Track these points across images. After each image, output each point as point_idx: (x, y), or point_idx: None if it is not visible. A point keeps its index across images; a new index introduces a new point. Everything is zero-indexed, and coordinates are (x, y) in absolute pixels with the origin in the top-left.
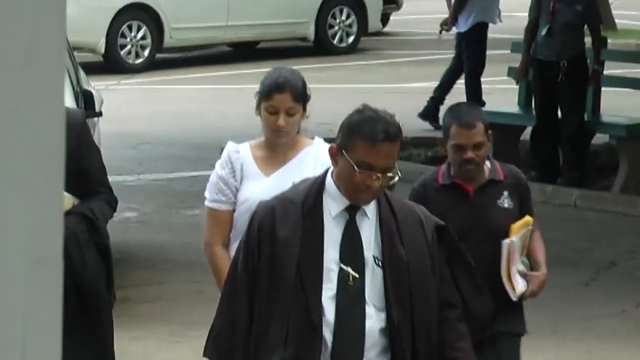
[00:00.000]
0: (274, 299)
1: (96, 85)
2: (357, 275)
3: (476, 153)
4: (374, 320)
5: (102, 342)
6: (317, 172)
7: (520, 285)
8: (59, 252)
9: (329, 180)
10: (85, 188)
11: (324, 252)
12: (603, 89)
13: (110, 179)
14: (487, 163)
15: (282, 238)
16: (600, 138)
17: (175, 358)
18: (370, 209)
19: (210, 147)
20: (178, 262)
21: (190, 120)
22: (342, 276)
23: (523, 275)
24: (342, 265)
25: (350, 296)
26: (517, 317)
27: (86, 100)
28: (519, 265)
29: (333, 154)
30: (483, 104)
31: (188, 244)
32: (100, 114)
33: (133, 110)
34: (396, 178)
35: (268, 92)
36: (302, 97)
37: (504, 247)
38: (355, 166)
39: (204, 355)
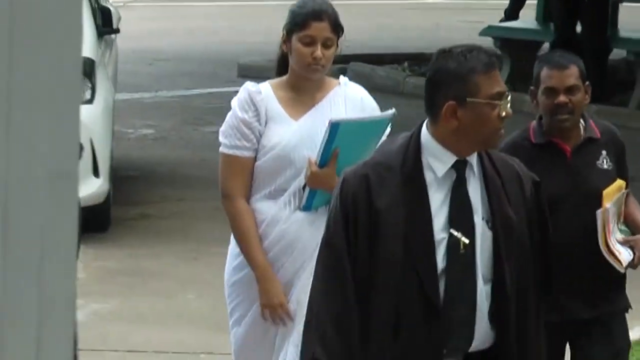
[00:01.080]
0: (378, 281)
1: (113, 2)
2: (467, 241)
3: (570, 97)
4: (483, 290)
5: None
6: (349, 114)
7: (624, 254)
8: (76, 167)
9: (427, 138)
10: None
11: (433, 219)
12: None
13: (128, 96)
14: (582, 120)
15: (382, 210)
16: (617, 54)
17: (191, 275)
18: (474, 163)
19: (226, 63)
20: (196, 179)
21: (206, 37)
22: (452, 243)
23: (625, 243)
24: (453, 231)
25: (462, 266)
26: (622, 292)
27: (104, 16)
28: (617, 234)
29: (453, 111)
30: (517, 17)
31: (206, 161)
32: (117, 31)
33: (150, 27)
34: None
35: (304, 21)
36: (339, 28)
37: (598, 217)
38: (491, 101)
39: (306, 354)
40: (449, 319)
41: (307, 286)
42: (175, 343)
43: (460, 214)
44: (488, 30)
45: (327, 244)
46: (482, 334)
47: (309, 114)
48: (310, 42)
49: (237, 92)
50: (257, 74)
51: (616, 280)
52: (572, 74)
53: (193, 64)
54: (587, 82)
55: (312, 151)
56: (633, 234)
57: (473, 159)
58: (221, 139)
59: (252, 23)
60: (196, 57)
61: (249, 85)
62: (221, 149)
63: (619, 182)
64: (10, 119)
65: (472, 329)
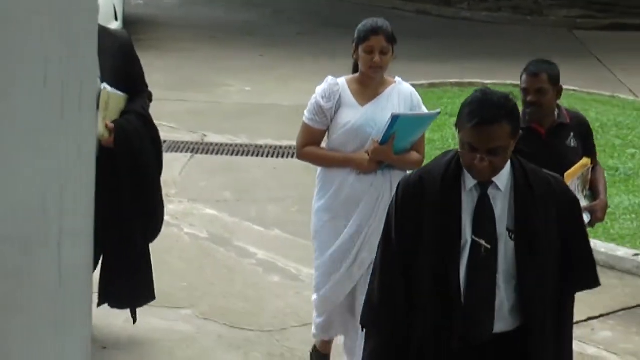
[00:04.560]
0: (417, 267)
1: None
2: (489, 247)
3: (537, 97)
4: (503, 291)
5: (152, 206)
6: (401, 105)
7: (583, 218)
8: (97, 6)
9: None
10: (133, 88)
11: (462, 224)
12: None
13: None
14: (557, 109)
15: (423, 212)
16: None
17: (159, 62)
18: (504, 181)
19: None
20: (163, 25)
21: None
22: (474, 247)
23: (589, 209)
24: (474, 237)
25: (482, 267)
26: None
27: None
28: (582, 202)
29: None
30: None
31: (186, 27)
32: None
33: None
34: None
35: (365, 35)
36: (392, 39)
37: None
38: (462, 145)
39: (364, 323)
40: (467, 310)
41: (369, 243)
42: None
43: (482, 224)
44: None
45: (384, 236)
46: (502, 323)
47: (372, 103)
48: (370, 51)
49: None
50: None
51: None
52: (542, 80)
53: None
54: (559, 84)
55: (373, 130)
56: (595, 199)
57: (500, 179)
58: (305, 112)
59: None
60: None
61: (329, 79)
62: (303, 118)
63: (584, 160)
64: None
65: (491, 320)
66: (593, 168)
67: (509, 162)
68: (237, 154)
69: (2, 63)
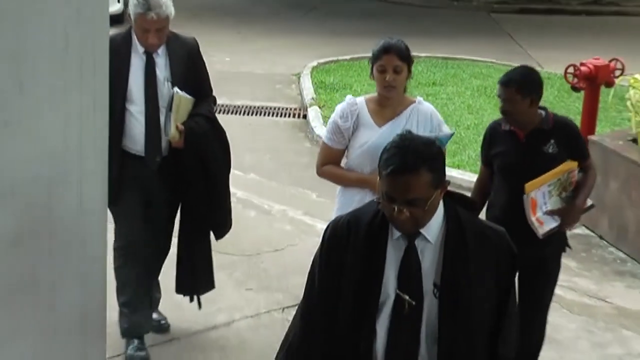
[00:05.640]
0: (332, 323)
1: None
2: (413, 303)
3: (507, 106)
4: (425, 351)
5: (223, 207)
6: (420, 126)
7: (546, 224)
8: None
9: None
10: (200, 92)
11: (384, 277)
12: None
13: None
14: (542, 113)
15: (345, 261)
16: None
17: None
18: (434, 233)
19: None
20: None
21: None
22: (398, 303)
23: (556, 213)
24: (399, 292)
25: (404, 325)
26: (561, 238)
27: None
28: (557, 205)
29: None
30: None
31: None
32: None
33: None
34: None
35: (378, 55)
36: (406, 57)
37: (524, 200)
38: (381, 195)
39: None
40: None
41: None
42: None
43: (408, 278)
44: None
45: (308, 285)
46: None
47: (390, 123)
48: (383, 70)
49: None
50: None
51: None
52: (510, 91)
53: None
54: (534, 94)
55: None
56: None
57: (430, 231)
58: (324, 131)
59: None
60: None
61: (348, 99)
62: (323, 138)
63: (563, 166)
64: None
65: None
66: (585, 171)
67: (441, 212)
68: (218, 113)
69: (32, 35)
